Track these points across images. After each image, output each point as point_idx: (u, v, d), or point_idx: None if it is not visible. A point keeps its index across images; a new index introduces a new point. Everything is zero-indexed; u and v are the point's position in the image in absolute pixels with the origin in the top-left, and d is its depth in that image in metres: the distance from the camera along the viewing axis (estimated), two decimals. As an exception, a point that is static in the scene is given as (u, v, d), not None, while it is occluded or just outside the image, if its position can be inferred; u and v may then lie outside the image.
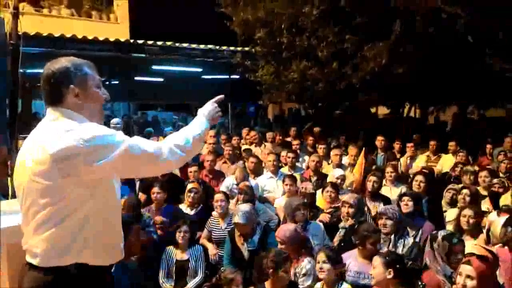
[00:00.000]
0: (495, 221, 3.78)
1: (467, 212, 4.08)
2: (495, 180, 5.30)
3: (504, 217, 3.72)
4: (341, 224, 4.54)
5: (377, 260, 3.19)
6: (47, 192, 1.79)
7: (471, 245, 3.60)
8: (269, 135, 8.51)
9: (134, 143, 1.87)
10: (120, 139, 1.84)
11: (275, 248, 3.62)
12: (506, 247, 3.51)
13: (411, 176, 6.21)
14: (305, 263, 3.69)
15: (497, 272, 3.24)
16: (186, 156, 1.99)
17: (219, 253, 4.64)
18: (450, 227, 4.58)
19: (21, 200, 1.90)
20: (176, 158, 1.94)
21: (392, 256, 3.22)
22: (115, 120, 8.03)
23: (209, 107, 2.23)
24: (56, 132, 1.81)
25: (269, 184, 5.90)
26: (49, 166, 1.77)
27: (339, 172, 5.79)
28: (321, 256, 3.39)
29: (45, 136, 1.84)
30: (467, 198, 4.79)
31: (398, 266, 3.12)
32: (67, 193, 1.79)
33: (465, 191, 4.90)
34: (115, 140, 1.82)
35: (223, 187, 5.83)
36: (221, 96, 2.34)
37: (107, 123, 7.98)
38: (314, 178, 5.98)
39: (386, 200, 5.17)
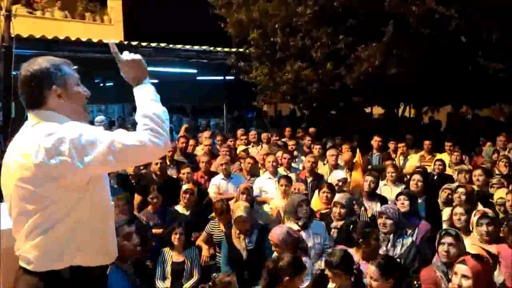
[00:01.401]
0: (473, 221, 3.87)
1: (458, 210, 4.12)
2: (494, 180, 5.35)
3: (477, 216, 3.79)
4: (333, 224, 4.56)
5: (373, 270, 3.04)
6: (34, 198, 1.76)
7: (468, 244, 3.62)
8: (263, 135, 8.50)
9: (114, 137, 1.77)
10: (102, 135, 1.77)
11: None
12: (505, 244, 3.53)
13: (407, 176, 6.24)
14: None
15: (497, 270, 3.25)
16: (166, 130, 1.85)
17: (216, 255, 4.65)
18: (445, 226, 4.60)
19: (9, 207, 1.88)
20: (159, 139, 1.80)
21: (388, 263, 3.10)
22: (99, 118, 7.99)
23: (131, 65, 1.98)
24: (38, 137, 1.77)
25: (268, 185, 5.91)
26: (34, 172, 1.74)
27: (340, 174, 5.79)
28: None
29: (27, 142, 1.80)
30: (463, 197, 4.83)
31: (395, 271, 3.05)
32: (56, 198, 1.77)
33: (460, 190, 4.94)
34: (97, 137, 1.76)
35: (211, 186, 5.86)
36: (112, 41, 2.13)
37: (91, 122, 7.95)
38: (310, 179, 5.99)
39: (383, 200, 5.18)
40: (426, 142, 7.56)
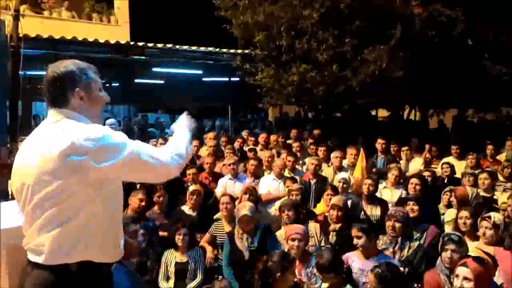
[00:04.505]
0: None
1: (463, 213, 4.04)
2: (508, 185, 5.33)
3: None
4: (331, 227, 4.56)
5: (372, 279, 3.11)
6: (55, 190, 1.81)
7: (472, 248, 3.61)
8: (271, 138, 8.46)
9: (139, 147, 1.90)
10: (126, 142, 1.88)
11: (279, 251, 3.63)
12: (500, 248, 3.52)
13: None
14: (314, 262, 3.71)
15: (496, 273, 3.25)
16: (184, 162, 2.06)
17: (219, 257, 4.65)
18: (447, 228, 4.59)
19: (24, 200, 1.91)
20: (176, 163, 1.98)
21: (386, 272, 3.10)
22: (110, 121, 7.93)
23: (186, 122, 2.30)
24: (62, 131, 1.84)
25: (272, 186, 5.92)
26: (58, 164, 1.79)
27: (342, 175, 5.78)
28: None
29: (51, 135, 1.86)
30: (454, 200, 4.83)
31: (394, 280, 3.07)
32: (75, 192, 1.82)
33: (453, 193, 4.93)
34: (122, 142, 1.86)
35: (219, 187, 5.89)
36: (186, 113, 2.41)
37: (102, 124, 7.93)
38: (313, 181, 5.98)
39: (383, 203, 5.17)
40: (433, 149, 7.59)
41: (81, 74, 1.98)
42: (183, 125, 2.27)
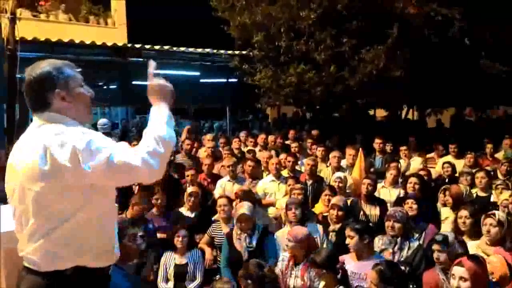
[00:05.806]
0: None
1: (463, 212, 4.01)
2: (498, 182, 5.31)
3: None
4: (331, 227, 4.54)
5: (373, 276, 3.08)
6: (39, 199, 1.77)
7: (474, 247, 3.60)
8: (270, 138, 8.45)
9: (116, 150, 1.74)
10: (105, 145, 1.75)
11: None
12: (501, 248, 3.51)
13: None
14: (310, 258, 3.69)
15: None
16: (165, 156, 1.80)
17: (217, 258, 4.64)
18: (444, 226, 4.58)
19: (14, 207, 1.89)
20: (154, 163, 1.74)
21: (388, 271, 3.08)
22: (102, 121, 7.90)
23: (157, 88, 1.97)
24: (43, 138, 1.78)
25: (271, 187, 5.91)
26: (38, 173, 1.75)
27: (337, 174, 5.77)
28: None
29: (33, 142, 1.81)
30: (449, 199, 4.83)
31: (395, 279, 3.06)
32: (60, 199, 1.77)
33: (447, 192, 4.92)
34: (99, 146, 1.74)
35: (217, 188, 5.89)
36: (152, 63, 2.04)
37: (94, 124, 7.92)
38: (310, 181, 5.95)
39: (382, 203, 5.16)
40: (441, 148, 7.61)
41: (58, 73, 1.88)
42: (153, 99, 1.95)
